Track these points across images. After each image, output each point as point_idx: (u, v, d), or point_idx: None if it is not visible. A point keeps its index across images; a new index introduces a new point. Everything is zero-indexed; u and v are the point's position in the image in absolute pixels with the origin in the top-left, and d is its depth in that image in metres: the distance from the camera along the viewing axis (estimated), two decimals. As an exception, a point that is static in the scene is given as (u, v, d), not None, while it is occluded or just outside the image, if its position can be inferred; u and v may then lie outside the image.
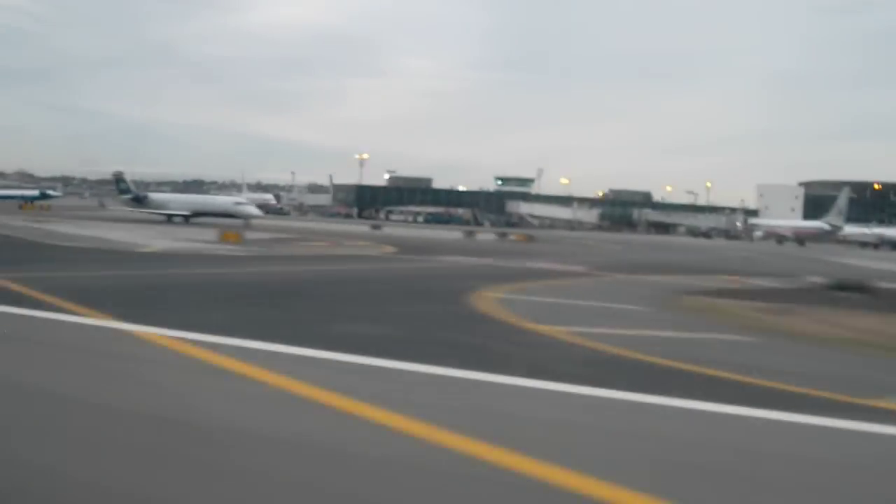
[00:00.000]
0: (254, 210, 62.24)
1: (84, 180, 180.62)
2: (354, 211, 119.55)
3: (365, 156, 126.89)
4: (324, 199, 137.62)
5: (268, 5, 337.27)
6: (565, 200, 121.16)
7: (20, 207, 73.29)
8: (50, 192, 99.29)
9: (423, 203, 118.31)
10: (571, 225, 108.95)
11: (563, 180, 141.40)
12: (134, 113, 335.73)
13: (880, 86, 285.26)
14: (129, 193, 67.09)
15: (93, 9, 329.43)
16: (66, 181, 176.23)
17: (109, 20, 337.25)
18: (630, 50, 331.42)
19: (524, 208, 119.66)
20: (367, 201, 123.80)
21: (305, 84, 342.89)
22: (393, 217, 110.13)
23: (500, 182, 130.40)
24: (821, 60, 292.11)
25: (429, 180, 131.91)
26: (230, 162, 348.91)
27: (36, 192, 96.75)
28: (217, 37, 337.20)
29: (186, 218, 58.92)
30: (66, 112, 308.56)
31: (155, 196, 67.76)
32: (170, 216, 59.27)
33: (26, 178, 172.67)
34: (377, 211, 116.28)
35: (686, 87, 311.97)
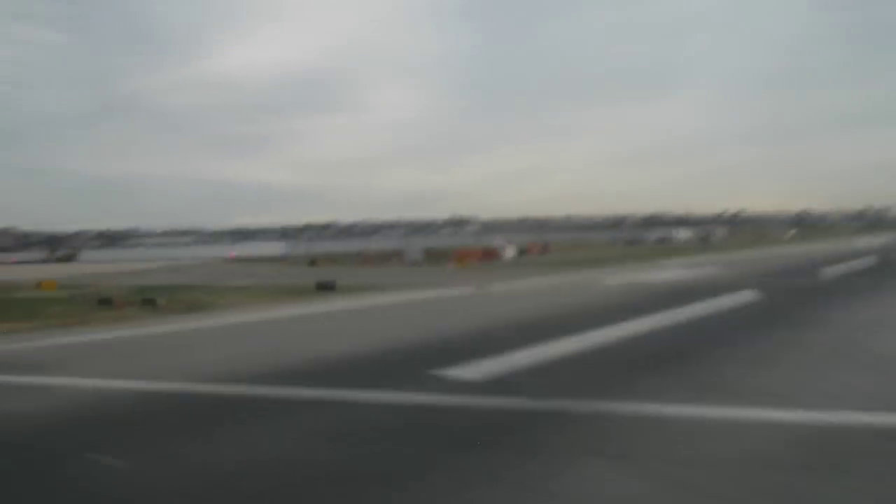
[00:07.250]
0: None
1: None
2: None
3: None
4: None
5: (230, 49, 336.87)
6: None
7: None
8: None
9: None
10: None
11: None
12: (104, 169, 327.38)
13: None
14: None
15: (64, 65, 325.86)
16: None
17: (79, 77, 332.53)
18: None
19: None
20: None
21: (275, 125, 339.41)
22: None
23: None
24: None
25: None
26: (209, 208, 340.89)
27: None
28: (183, 86, 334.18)
29: None
30: (40, 174, 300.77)
31: None
32: None
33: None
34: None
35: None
